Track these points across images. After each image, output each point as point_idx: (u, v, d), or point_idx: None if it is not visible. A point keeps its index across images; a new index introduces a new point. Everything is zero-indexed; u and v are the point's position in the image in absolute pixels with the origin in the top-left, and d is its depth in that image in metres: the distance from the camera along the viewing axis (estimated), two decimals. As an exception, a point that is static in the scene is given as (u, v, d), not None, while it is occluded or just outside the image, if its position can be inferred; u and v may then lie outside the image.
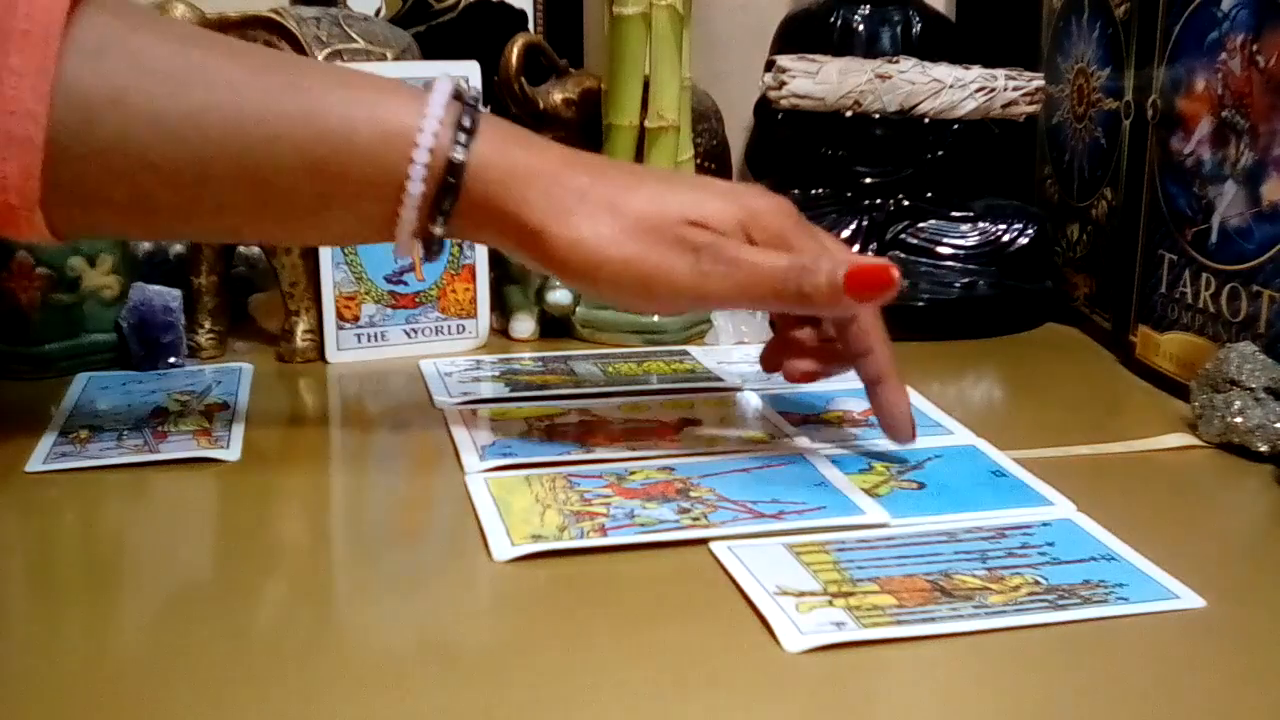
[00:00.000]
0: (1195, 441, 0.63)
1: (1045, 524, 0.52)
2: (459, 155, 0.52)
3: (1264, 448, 0.60)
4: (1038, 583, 0.46)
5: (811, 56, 0.87)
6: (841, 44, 0.93)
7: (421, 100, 0.53)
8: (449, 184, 0.53)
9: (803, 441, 0.61)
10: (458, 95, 0.54)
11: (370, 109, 0.53)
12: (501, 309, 0.81)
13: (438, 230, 0.54)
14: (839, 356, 0.60)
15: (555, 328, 0.81)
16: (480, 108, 0.54)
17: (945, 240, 0.87)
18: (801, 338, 0.60)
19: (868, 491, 0.55)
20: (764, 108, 0.92)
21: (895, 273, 0.53)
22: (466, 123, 0.53)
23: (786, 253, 0.54)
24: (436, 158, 0.52)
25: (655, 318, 0.79)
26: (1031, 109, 0.87)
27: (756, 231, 0.54)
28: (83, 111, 0.50)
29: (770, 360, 0.63)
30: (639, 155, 0.80)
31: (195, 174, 0.52)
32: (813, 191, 0.89)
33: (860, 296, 0.53)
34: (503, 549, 0.49)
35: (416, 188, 0.52)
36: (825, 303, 0.53)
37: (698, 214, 0.54)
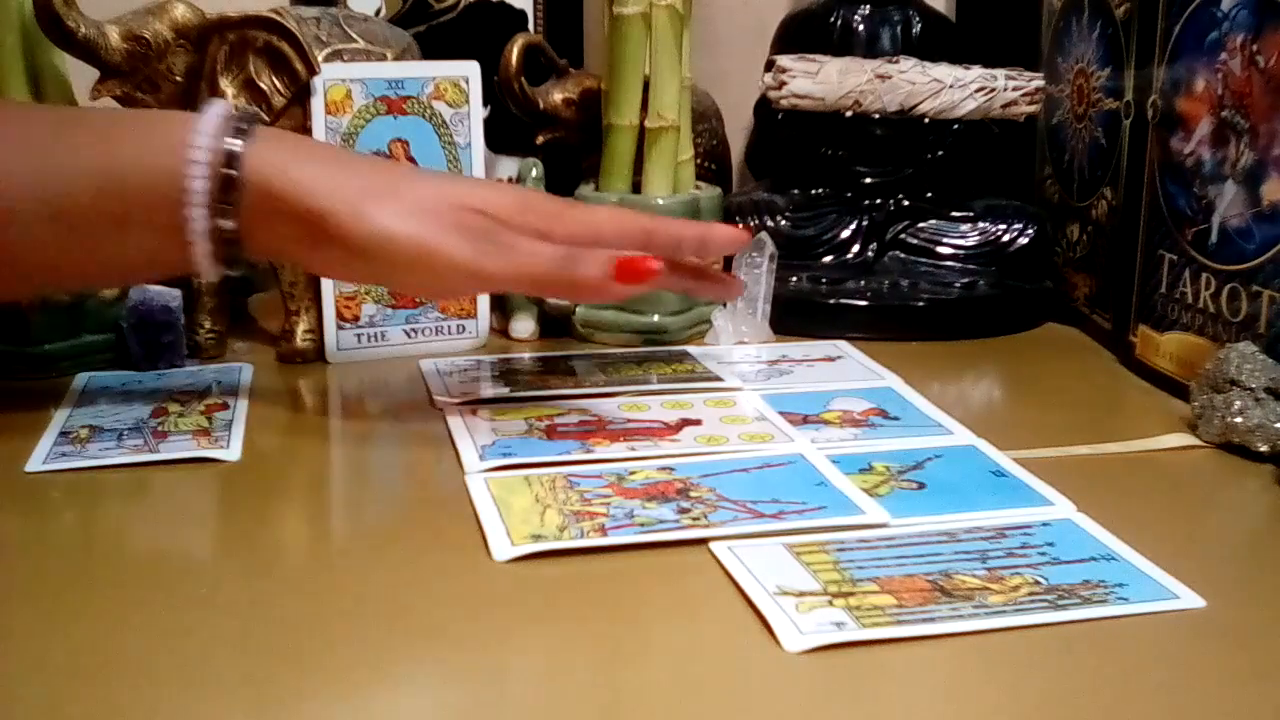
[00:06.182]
0: (1195, 441, 0.63)
1: (1045, 524, 0.52)
2: (235, 146, 0.55)
3: (1264, 448, 0.60)
4: (1038, 583, 0.46)
5: (811, 56, 0.87)
6: (841, 44, 0.93)
7: (195, 116, 0.56)
8: (229, 176, 0.55)
9: (803, 441, 0.61)
10: (232, 112, 0.57)
11: (149, 129, 0.57)
12: (501, 309, 0.81)
13: (227, 224, 0.56)
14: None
15: (555, 328, 0.81)
16: (255, 119, 0.58)
17: (945, 240, 0.87)
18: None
19: (868, 491, 0.55)
20: (764, 108, 0.92)
21: (657, 265, 0.58)
22: (241, 125, 0.56)
23: (563, 232, 0.59)
24: (214, 155, 0.55)
25: (655, 318, 0.79)
26: (1031, 109, 0.87)
27: (533, 215, 0.58)
28: None
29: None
30: (639, 155, 0.80)
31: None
32: (813, 191, 0.89)
33: (629, 283, 0.57)
34: (503, 549, 0.49)
35: (198, 184, 0.55)
36: (594, 290, 0.58)
37: (477, 200, 0.58)
